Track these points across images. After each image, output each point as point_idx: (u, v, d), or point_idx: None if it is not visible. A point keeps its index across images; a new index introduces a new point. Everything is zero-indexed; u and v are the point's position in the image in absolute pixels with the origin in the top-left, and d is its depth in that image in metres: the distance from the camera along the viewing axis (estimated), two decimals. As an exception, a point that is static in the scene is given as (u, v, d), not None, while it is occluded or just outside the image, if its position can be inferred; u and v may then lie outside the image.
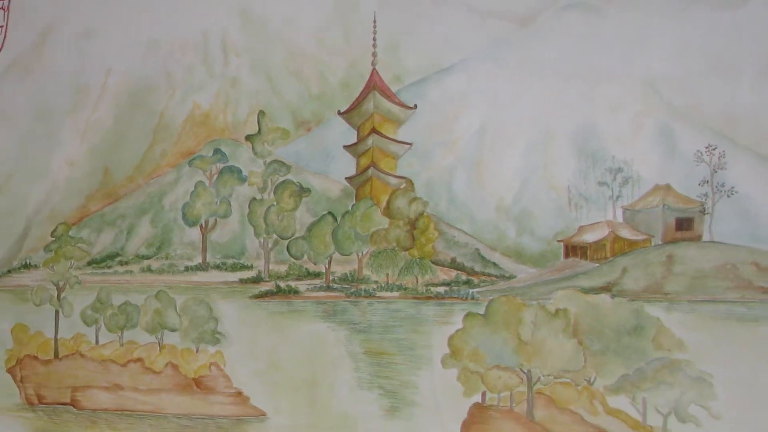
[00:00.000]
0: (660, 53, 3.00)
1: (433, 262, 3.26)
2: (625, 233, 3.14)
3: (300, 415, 3.27)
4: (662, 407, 3.00)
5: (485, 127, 3.23)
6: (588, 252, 3.15)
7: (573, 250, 3.16)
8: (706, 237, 3.05)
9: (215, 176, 3.43)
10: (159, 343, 3.43)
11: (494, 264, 3.22)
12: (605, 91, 3.07)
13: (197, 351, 3.39)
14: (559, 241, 3.15)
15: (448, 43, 3.21)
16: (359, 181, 3.34)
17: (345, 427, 3.24)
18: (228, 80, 3.47)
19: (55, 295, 3.52)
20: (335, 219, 3.31)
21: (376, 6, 3.25)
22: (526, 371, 3.12)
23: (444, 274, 3.26)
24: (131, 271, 3.48)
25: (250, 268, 3.38)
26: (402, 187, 3.28)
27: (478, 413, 3.19)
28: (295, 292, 3.34)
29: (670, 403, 3.00)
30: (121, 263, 3.50)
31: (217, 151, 3.43)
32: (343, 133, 3.36)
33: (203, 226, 3.43)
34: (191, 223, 3.44)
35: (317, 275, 3.35)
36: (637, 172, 3.10)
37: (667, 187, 3.09)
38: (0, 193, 3.65)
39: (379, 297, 3.28)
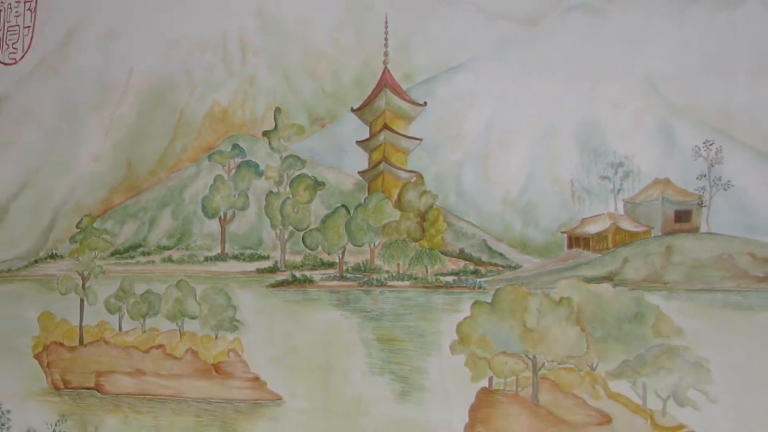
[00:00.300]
0: (659, 53, 3.05)
1: (442, 253, 3.26)
2: (626, 225, 3.17)
3: (315, 399, 3.30)
4: (662, 391, 3.03)
5: (492, 124, 3.27)
6: (590, 243, 3.19)
7: (576, 241, 3.19)
8: (703, 228, 3.04)
9: (233, 170, 3.45)
10: (179, 330, 3.49)
11: (501, 254, 3.25)
12: (607, 89, 3.11)
13: (216, 338, 3.45)
14: (562, 232, 3.16)
15: (456, 43, 3.22)
16: (371, 175, 3.38)
17: (358, 411, 3.27)
18: (246, 78, 3.50)
19: (80, 284, 3.58)
20: (348, 211, 3.35)
21: (387, 7, 3.29)
22: (531, 357, 3.16)
23: (452, 264, 3.27)
24: (153, 261, 3.53)
25: (266, 258, 3.42)
26: (412, 180, 3.30)
27: (485, 397, 3.21)
28: (310, 281, 3.38)
29: (669, 387, 3.02)
30: (143, 254, 3.55)
31: (235, 146, 3.46)
32: (356, 129, 3.38)
33: (222, 218, 3.46)
34: (210, 216, 3.47)
35: (331, 265, 3.37)
36: (637, 166, 3.11)
37: (667, 181, 3.11)
38: (27, 187, 3.71)
39: (390, 286, 3.31)
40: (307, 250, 3.40)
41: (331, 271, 3.38)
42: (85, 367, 3.64)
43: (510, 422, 3.18)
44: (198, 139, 3.52)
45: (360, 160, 3.39)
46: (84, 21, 3.65)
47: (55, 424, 3.70)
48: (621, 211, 3.13)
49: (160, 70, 3.56)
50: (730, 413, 2.95)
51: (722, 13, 2.99)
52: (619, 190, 3.13)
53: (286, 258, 3.42)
